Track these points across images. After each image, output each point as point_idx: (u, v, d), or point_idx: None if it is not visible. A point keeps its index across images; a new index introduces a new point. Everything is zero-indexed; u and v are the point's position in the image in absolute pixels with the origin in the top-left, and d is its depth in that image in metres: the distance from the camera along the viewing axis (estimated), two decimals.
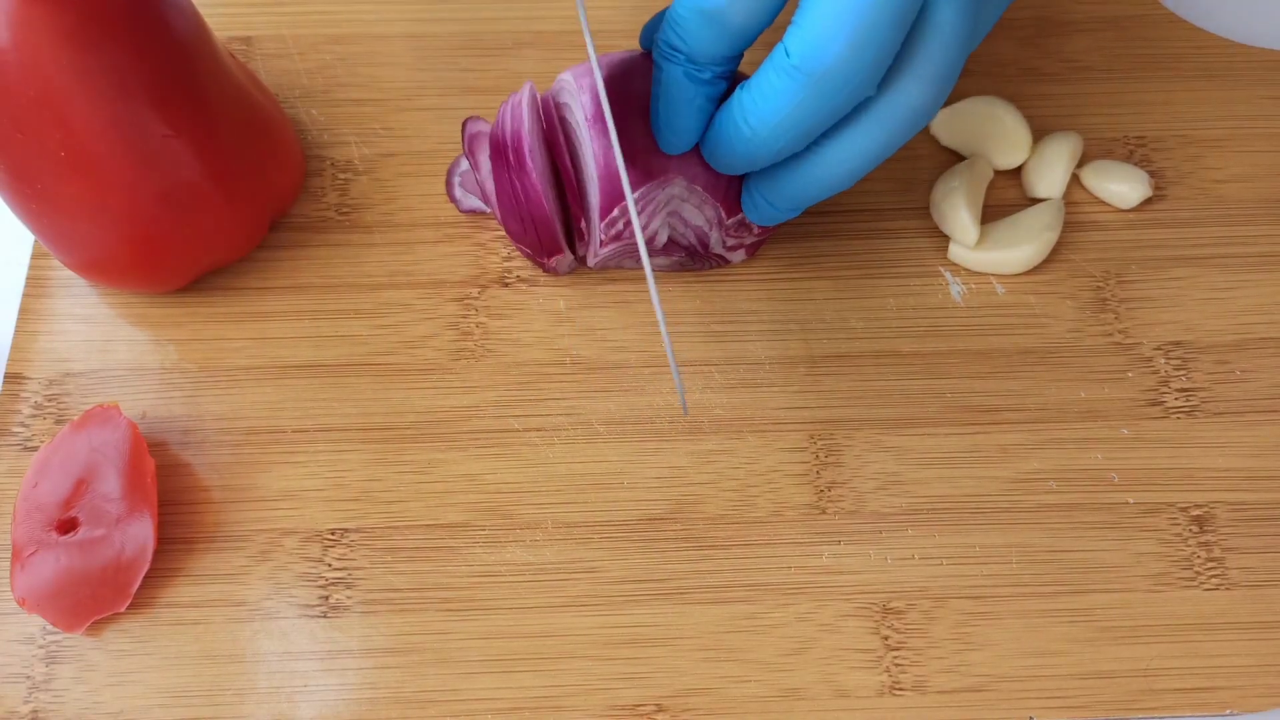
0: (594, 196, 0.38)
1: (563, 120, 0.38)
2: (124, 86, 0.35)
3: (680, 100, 0.35)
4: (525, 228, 0.39)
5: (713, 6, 0.32)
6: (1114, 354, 0.41)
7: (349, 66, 0.46)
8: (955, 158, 0.44)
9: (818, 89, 0.32)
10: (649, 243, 0.39)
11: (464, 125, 0.41)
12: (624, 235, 0.38)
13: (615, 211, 0.37)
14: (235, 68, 0.40)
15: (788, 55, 0.32)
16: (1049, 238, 0.41)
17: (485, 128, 0.41)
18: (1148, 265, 0.42)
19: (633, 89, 0.37)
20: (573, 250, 0.41)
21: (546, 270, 0.41)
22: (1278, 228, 0.43)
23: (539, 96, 0.39)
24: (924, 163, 0.44)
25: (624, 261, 0.41)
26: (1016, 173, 0.44)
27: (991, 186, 0.44)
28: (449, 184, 0.43)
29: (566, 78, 0.38)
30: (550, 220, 0.38)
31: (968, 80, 0.45)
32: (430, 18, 0.47)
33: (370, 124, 0.45)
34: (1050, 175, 0.43)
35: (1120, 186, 0.43)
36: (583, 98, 0.37)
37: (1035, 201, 0.43)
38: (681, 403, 0.37)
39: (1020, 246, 0.41)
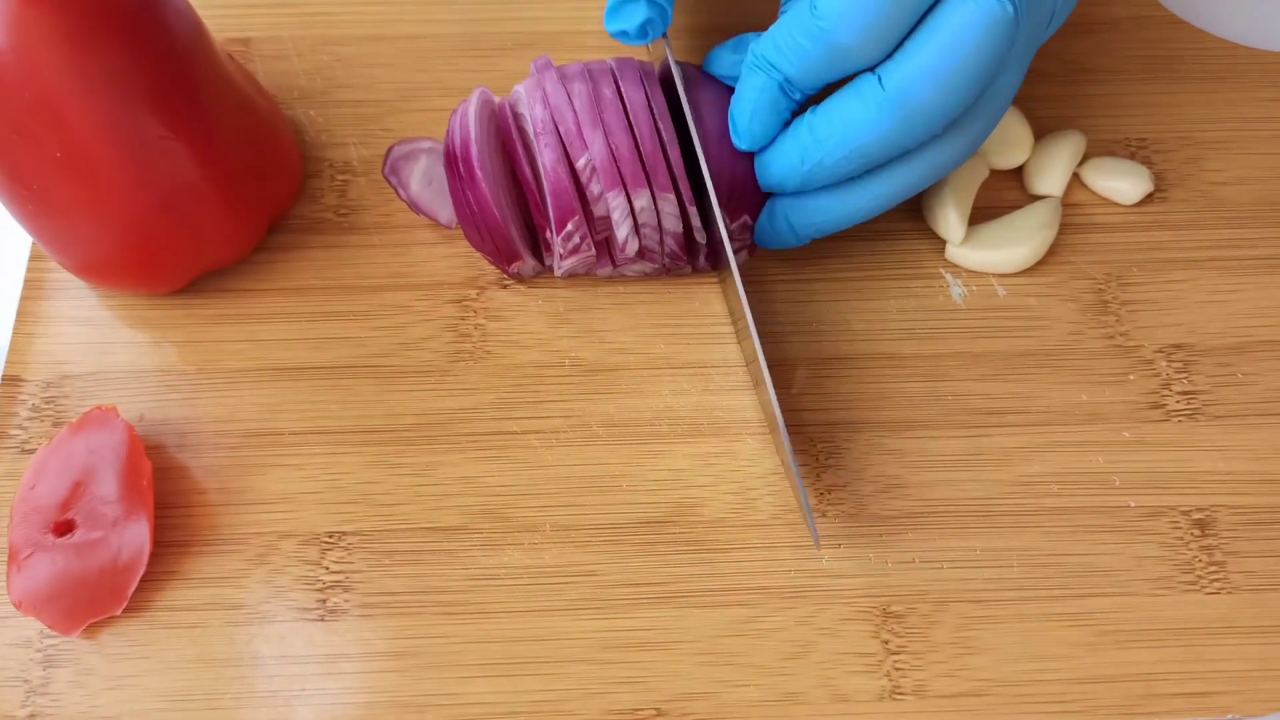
0: (550, 210, 0.38)
1: (520, 130, 0.38)
2: (122, 88, 0.35)
3: (771, 112, 0.35)
4: (482, 236, 0.39)
5: (844, 43, 0.33)
6: (1115, 356, 0.40)
7: (347, 68, 0.46)
8: None
9: (905, 123, 0.33)
10: (620, 250, 0.39)
11: (389, 150, 0.41)
12: (581, 249, 0.38)
13: (570, 225, 0.37)
14: (234, 69, 0.40)
15: (881, 87, 0.33)
16: (1045, 236, 0.41)
17: (409, 149, 0.41)
18: (1149, 267, 0.42)
19: (622, 98, 0.37)
20: (538, 255, 0.40)
21: (510, 276, 0.41)
22: (1279, 230, 0.43)
23: (497, 104, 0.39)
24: None
25: (594, 270, 0.41)
26: (1018, 172, 0.44)
27: (993, 186, 0.43)
28: (401, 182, 0.43)
29: (519, 89, 0.38)
30: (503, 228, 0.38)
31: None
32: (428, 19, 0.47)
33: (369, 125, 0.45)
34: (1051, 173, 0.43)
35: (1121, 183, 0.43)
36: (535, 109, 0.37)
37: (1036, 200, 0.43)
38: (813, 535, 0.36)
39: (1016, 246, 0.41)
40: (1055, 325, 0.41)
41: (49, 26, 0.33)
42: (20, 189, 0.36)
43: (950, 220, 0.41)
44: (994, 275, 0.42)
